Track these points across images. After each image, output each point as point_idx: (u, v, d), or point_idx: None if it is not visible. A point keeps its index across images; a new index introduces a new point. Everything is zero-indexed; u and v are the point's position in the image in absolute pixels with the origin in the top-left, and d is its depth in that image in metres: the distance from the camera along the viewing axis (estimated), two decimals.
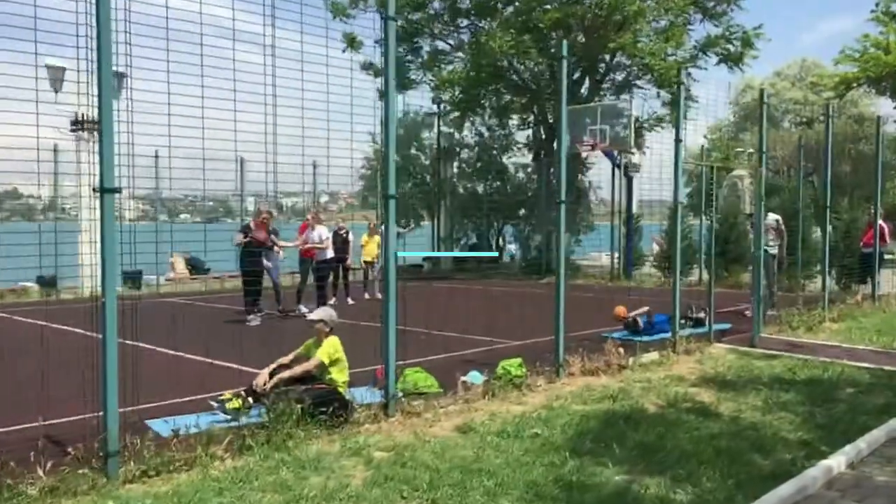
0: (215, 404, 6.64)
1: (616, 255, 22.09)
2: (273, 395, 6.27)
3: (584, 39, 21.95)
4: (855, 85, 28.61)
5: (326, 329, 7.35)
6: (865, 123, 40.41)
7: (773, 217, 13.55)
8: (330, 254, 15.47)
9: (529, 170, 26.32)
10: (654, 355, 9.59)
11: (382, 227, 17.37)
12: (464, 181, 27.53)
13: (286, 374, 6.82)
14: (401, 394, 7.31)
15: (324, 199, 25.39)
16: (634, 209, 35.74)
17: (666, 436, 6.31)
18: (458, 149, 27.06)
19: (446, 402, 7.21)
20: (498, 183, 27.05)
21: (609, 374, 8.70)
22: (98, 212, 5.18)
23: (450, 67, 23.86)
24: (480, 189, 27.47)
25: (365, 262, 18.12)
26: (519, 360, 8.12)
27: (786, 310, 12.58)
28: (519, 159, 26.99)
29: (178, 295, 18.94)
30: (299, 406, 6.05)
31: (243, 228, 13.81)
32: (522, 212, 26.15)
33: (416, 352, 10.14)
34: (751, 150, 41.97)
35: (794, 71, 45.19)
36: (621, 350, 9.10)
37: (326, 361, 6.99)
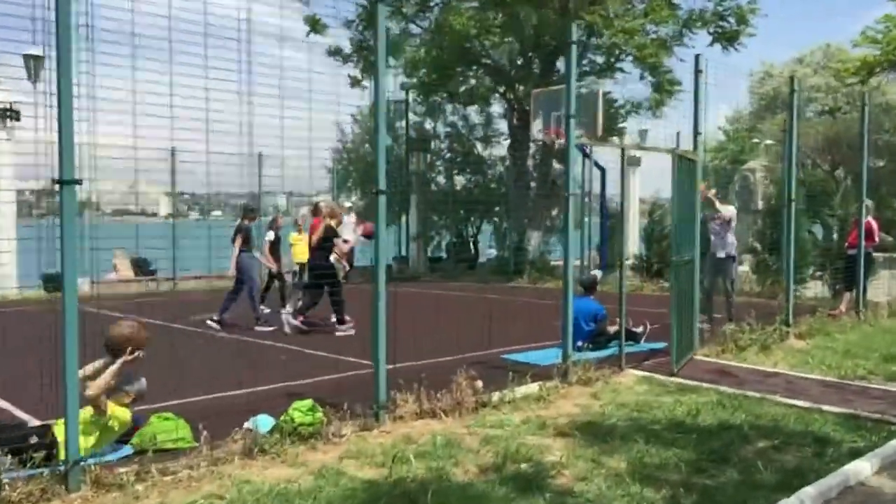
0: None
1: (588, 256, 19.92)
2: None
3: (555, 17, 19.85)
4: (878, 70, 26.29)
5: (126, 401, 5.67)
6: (893, 112, 37.66)
7: (731, 210, 11.42)
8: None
9: (508, 162, 24.25)
10: (533, 387, 7.56)
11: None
12: (435, 174, 25.51)
13: None
14: (116, 456, 5.46)
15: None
16: (637, 206, 33.63)
17: None
18: (429, 139, 25.06)
19: (183, 464, 5.30)
20: (476, 176, 25.08)
21: (456, 416, 6.72)
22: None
23: (414, 50, 21.85)
24: (456, 183, 25.50)
25: (299, 265, 16.20)
26: (309, 402, 6.16)
27: (730, 325, 10.39)
28: (497, 150, 25.01)
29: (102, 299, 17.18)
30: None
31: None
32: (499, 208, 24.11)
33: (253, 379, 8.28)
34: (768, 141, 39.40)
35: (818, 57, 42.31)
36: (478, 384, 7.10)
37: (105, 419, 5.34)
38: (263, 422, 6.15)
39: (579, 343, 9.22)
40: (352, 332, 11.33)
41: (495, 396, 7.15)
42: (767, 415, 6.79)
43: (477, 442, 6.06)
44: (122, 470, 5.07)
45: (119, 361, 5.46)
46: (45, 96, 4.74)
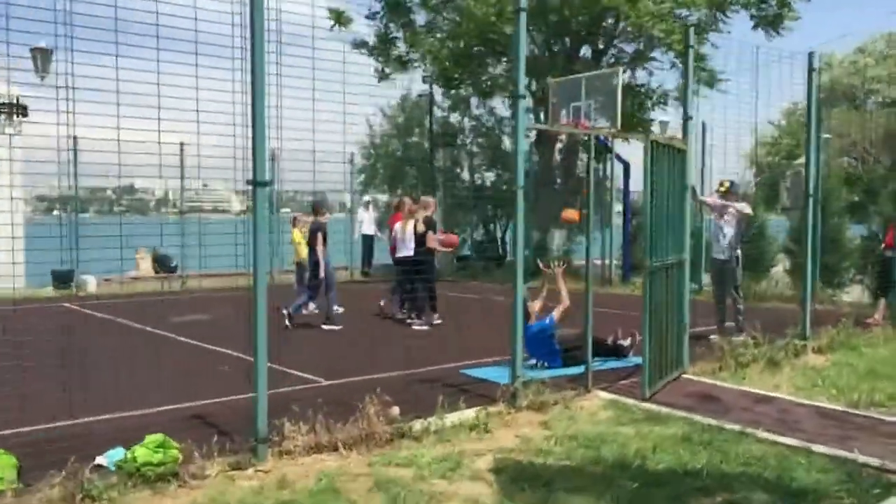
0: None
1: (614, 257, 18.58)
2: None
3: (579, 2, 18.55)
4: None
5: None
6: None
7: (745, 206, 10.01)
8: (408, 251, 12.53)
9: (536, 157, 22.99)
10: (469, 413, 6.42)
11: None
12: (461, 170, 24.40)
13: None
14: None
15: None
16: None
17: None
18: (454, 134, 23.92)
19: None
20: (504, 172, 23.87)
21: (362, 450, 5.62)
22: None
23: (434, 40, 20.74)
24: (485, 179, 24.37)
25: (297, 263, 15.24)
26: (159, 437, 5.13)
27: (739, 337, 9.06)
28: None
29: (102, 299, 16.52)
30: None
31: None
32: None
33: (169, 396, 7.30)
34: (826, 136, 37.14)
35: (881, 46, 39.82)
36: (394, 411, 6.01)
37: None
38: (114, 455, 5.17)
39: (532, 361, 8.05)
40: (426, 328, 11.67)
41: (417, 425, 6.04)
42: (740, 456, 5.53)
43: (366, 488, 4.97)
44: None
45: None
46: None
